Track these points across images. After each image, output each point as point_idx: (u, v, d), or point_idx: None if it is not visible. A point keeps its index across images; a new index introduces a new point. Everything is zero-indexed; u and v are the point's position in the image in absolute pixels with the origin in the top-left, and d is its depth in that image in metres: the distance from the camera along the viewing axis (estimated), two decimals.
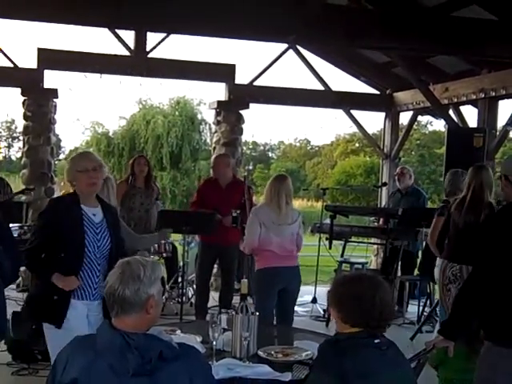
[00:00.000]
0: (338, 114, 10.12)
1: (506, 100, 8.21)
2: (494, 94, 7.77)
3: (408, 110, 9.82)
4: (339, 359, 2.46)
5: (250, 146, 44.15)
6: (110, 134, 24.70)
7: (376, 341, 2.52)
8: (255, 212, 5.18)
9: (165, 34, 8.73)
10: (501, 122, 8.22)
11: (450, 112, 8.70)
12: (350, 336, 2.53)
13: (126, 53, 8.78)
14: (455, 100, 8.43)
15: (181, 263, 7.60)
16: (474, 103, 8.46)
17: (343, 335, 2.57)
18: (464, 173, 5.84)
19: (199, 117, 24.20)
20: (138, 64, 8.70)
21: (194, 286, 7.48)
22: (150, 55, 8.82)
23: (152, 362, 2.17)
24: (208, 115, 23.35)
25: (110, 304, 2.30)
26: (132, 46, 8.75)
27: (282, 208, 5.08)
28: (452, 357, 3.28)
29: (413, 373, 2.80)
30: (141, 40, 8.69)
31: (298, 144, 47.45)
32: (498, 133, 8.09)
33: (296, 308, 5.66)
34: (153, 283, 2.30)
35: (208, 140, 23.31)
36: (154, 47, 8.83)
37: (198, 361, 2.32)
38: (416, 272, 7.81)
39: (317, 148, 45.22)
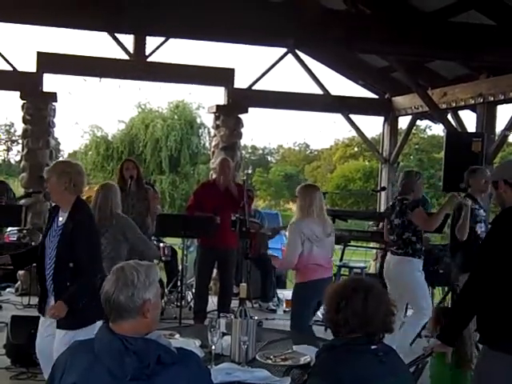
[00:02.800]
0: (337, 118, 10.12)
1: (504, 105, 8.24)
2: (492, 98, 7.78)
3: (407, 114, 9.83)
4: (336, 365, 2.45)
5: (249, 150, 44.15)
6: (109, 137, 24.72)
7: (373, 347, 2.50)
8: (299, 228, 4.90)
9: (164, 38, 8.74)
10: (499, 126, 8.24)
11: (449, 117, 8.71)
12: (346, 342, 2.52)
13: (126, 57, 8.80)
14: (454, 105, 8.44)
15: (180, 267, 7.60)
16: (472, 108, 8.47)
17: (340, 340, 2.56)
18: (418, 174, 5.90)
19: (198, 121, 24.24)
20: (137, 68, 8.72)
21: (193, 290, 7.48)
22: (149, 59, 8.83)
23: (150, 366, 2.17)
24: (207, 119, 23.39)
25: (107, 310, 2.30)
26: (131, 49, 8.77)
27: (326, 220, 5.06)
28: None
29: (412, 379, 2.78)
30: (140, 44, 8.70)
31: (297, 148, 47.46)
32: (496, 137, 8.10)
33: None
34: (148, 287, 2.29)
35: (207, 144, 23.32)
36: (154, 51, 8.85)
37: (197, 365, 2.32)
38: None
39: (316, 152, 45.23)
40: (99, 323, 3.66)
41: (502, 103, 8.05)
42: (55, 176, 3.81)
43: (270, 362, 3.22)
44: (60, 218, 3.86)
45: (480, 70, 8.06)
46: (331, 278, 5.13)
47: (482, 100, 7.91)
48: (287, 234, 5.10)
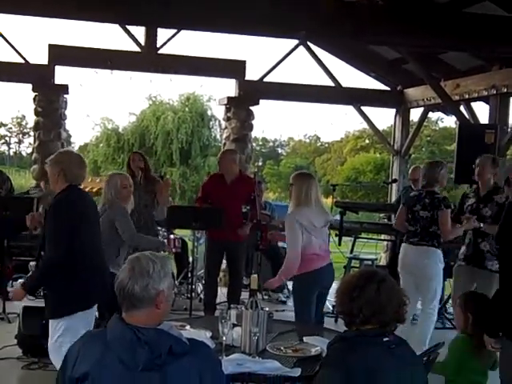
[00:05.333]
0: (348, 110, 10.10)
1: None
2: (505, 90, 7.72)
3: (418, 106, 9.78)
4: (347, 357, 2.46)
5: (260, 143, 44.17)
6: (120, 130, 24.77)
7: (385, 339, 2.51)
8: (294, 218, 4.67)
9: (175, 30, 8.74)
10: None
11: (461, 108, 8.66)
12: (358, 333, 2.53)
13: (137, 49, 8.80)
14: (466, 96, 8.38)
15: (190, 259, 7.61)
16: (485, 99, 8.41)
17: (352, 332, 2.57)
18: (441, 163, 5.86)
19: (209, 113, 24.24)
20: (149, 60, 8.73)
21: (203, 282, 7.50)
22: (160, 51, 8.84)
23: (162, 356, 2.18)
24: (218, 111, 23.38)
25: (120, 299, 2.31)
26: (142, 42, 8.77)
27: (324, 209, 4.91)
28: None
29: (423, 371, 2.78)
30: (151, 36, 8.71)
31: (307, 140, 47.42)
32: (509, 129, 8.05)
33: None
34: (162, 278, 2.30)
35: (218, 136, 23.33)
36: (165, 43, 8.85)
37: (208, 356, 2.32)
38: None
39: (326, 144, 45.18)
40: (81, 314, 3.79)
41: None
42: (50, 165, 3.93)
43: (280, 353, 3.22)
44: None
45: (493, 62, 7.99)
46: (330, 264, 4.91)
47: (495, 91, 7.85)
48: (286, 231, 4.76)
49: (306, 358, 3.18)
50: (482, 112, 8.60)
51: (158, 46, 8.79)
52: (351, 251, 8.22)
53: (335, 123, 71.33)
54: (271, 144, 46.87)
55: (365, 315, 2.50)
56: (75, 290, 3.77)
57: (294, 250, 4.66)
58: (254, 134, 9.67)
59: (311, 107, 49.47)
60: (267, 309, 3.43)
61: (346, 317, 2.58)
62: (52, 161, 3.94)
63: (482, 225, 5.43)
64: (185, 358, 2.22)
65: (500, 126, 7.51)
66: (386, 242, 9.76)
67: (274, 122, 62.97)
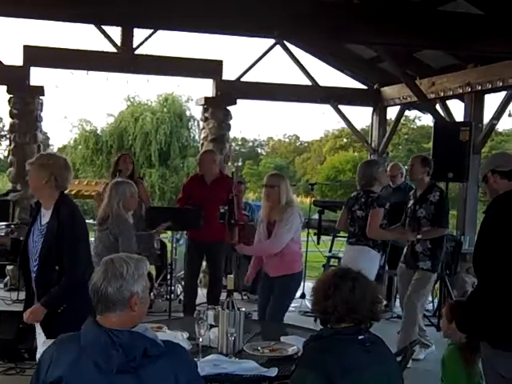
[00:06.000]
0: (326, 109, 10.10)
1: (491, 94, 8.25)
2: (480, 88, 7.79)
3: (395, 104, 9.84)
4: (323, 356, 2.47)
5: (239, 142, 44.12)
6: (98, 131, 24.62)
7: (360, 337, 2.52)
8: (297, 210, 4.86)
9: (151, 30, 8.69)
10: (487, 115, 8.26)
11: (437, 106, 8.72)
12: (333, 332, 2.54)
13: (113, 49, 8.74)
14: (442, 94, 8.45)
15: (169, 260, 7.59)
16: (460, 97, 8.48)
17: (327, 331, 2.57)
18: (377, 162, 5.91)
19: (188, 113, 24.17)
20: (125, 61, 8.66)
21: (183, 283, 7.48)
22: (136, 52, 8.78)
23: (136, 359, 2.17)
24: (197, 112, 23.31)
25: (94, 302, 2.30)
26: (119, 42, 8.71)
27: None
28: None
29: (399, 368, 2.79)
30: (127, 36, 8.64)
31: (287, 140, 47.48)
32: (484, 127, 8.13)
33: None
34: (136, 280, 2.29)
35: (197, 137, 23.27)
36: (141, 43, 8.80)
37: (183, 358, 2.32)
38: None
39: (306, 144, 45.28)
40: None
41: (489, 92, 8.06)
42: (35, 169, 3.60)
43: (257, 353, 3.23)
44: (43, 217, 3.65)
45: (467, 60, 8.06)
46: None
47: (469, 89, 7.92)
48: (288, 220, 4.78)
49: (282, 357, 3.18)
50: (458, 110, 8.68)
51: (134, 46, 8.73)
52: (330, 250, 8.26)
53: (314, 122, 71.43)
54: (250, 144, 46.84)
55: (339, 313, 2.51)
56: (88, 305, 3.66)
57: (285, 236, 4.73)
58: (232, 133, 9.67)
59: (290, 106, 49.49)
60: (244, 309, 3.43)
61: (320, 315, 2.59)
62: (37, 164, 3.61)
63: (419, 236, 5.53)
64: (160, 360, 2.21)
65: (475, 124, 7.57)
66: None
67: (252, 121, 62.91)
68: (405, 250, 5.91)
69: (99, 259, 4.19)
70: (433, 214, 5.61)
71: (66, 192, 3.79)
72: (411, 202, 5.79)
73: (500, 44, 6.16)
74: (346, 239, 8.59)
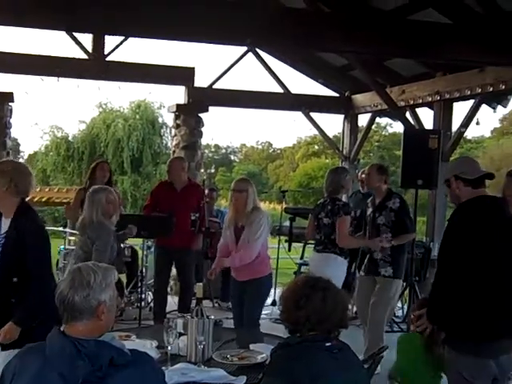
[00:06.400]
0: (298, 116, 10.17)
1: (460, 102, 8.37)
2: (448, 96, 7.91)
3: (366, 112, 9.93)
4: (291, 363, 2.46)
5: (212, 149, 44.11)
6: (70, 138, 24.46)
7: (327, 344, 2.52)
8: (265, 215, 4.94)
9: (123, 37, 8.65)
10: (456, 123, 8.37)
11: (407, 114, 8.82)
12: (301, 340, 2.53)
13: (84, 56, 8.68)
14: (411, 102, 8.54)
15: (140, 267, 7.54)
16: (429, 105, 8.59)
17: (295, 338, 2.57)
18: (344, 170, 5.98)
19: (160, 120, 24.16)
20: (96, 67, 8.60)
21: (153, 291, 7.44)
22: (108, 58, 8.73)
23: (103, 368, 2.14)
24: (169, 119, 23.22)
25: (60, 311, 2.27)
26: (90, 48, 8.65)
27: None
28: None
29: (366, 375, 2.81)
30: (99, 43, 8.59)
31: (259, 147, 47.59)
32: (452, 134, 8.23)
33: None
34: (104, 289, 2.27)
35: (169, 144, 23.21)
36: (113, 50, 8.74)
37: (151, 367, 2.30)
38: None
39: (279, 151, 45.43)
40: None
41: (457, 100, 8.19)
42: None
43: (226, 361, 3.21)
44: (3, 226, 3.50)
45: (436, 68, 8.17)
46: None
47: (438, 97, 8.03)
48: (258, 224, 4.85)
49: (251, 365, 3.17)
50: (427, 118, 8.79)
51: (105, 53, 8.69)
52: (301, 257, 8.27)
53: (287, 129, 71.79)
54: (224, 151, 46.84)
55: (311, 323, 2.51)
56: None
57: (258, 242, 4.80)
58: (204, 141, 9.66)
59: (263, 113, 49.65)
60: (213, 317, 3.42)
61: (291, 325, 2.58)
62: None
63: (393, 242, 5.56)
64: (127, 369, 2.19)
65: (443, 132, 7.67)
66: None
67: (225, 128, 62.96)
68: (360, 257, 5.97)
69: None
70: (393, 221, 5.65)
71: (36, 199, 3.72)
72: (370, 210, 5.84)
73: (468, 52, 6.25)
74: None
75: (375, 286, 5.67)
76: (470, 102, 8.04)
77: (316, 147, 37.64)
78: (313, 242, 8.23)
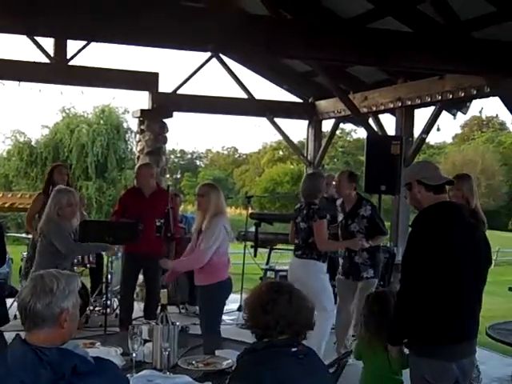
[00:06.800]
0: (263, 121, 10.20)
1: (421, 108, 8.51)
2: (409, 103, 8.03)
3: (330, 117, 10.02)
4: (256, 369, 2.47)
5: (178, 155, 43.96)
6: (33, 143, 24.11)
7: (293, 349, 2.53)
8: (222, 223, 4.81)
9: (85, 42, 8.58)
10: (417, 129, 8.51)
11: (370, 120, 8.93)
12: (266, 345, 2.54)
13: (46, 60, 8.58)
14: (374, 108, 8.66)
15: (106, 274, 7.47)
16: (391, 112, 8.72)
17: (261, 344, 2.59)
18: (320, 174, 6.08)
19: (125, 125, 23.97)
20: (59, 72, 8.51)
21: (119, 297, 7.38)
22: (70, 63, 8.65)
23: (65, 376, 2.13)
24: (134, 124, 23.10)
25: (22, 319, 2.25)
26: (52, 53, 8.56)
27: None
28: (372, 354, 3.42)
29: (331, 379, 2.84)
30: (61, 47, 8.50)
31: (225, 152, 47.61)
32: (414, 140, 8.36)
33: (223, 317, 5.63)
34: (67, 296, 2.25)
35: (134, 149, 23.03)
36: (75, 55, 8.66)
37: (114, 374, 2.29)
38: None
39: (244, 156, 45.50)
40: None
41: (419, 107, 8.32)
42: None
43: (191, 367, 3.22)
44: None
45: (398, 75, 8.30)
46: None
47: (400, 104, 8.15)
48: (213, 231, 4.80)
49: (217, 371, 3.19)
50: (390, 124, 8.91)
51: (68, 57, 8.60)
52: (267, 262, 8.31)
53: (252, 135, 71.88)
54: (189, 156, 46.71)
55: (281, 326, 2.53)
56: None
57: (210, 249, 4.74)
58: (169, 146, 9.65)
59: (228, 119, 49.65)
60: (178, 323, 3.42)
61: (260, 330, 2.59)
62: None
63: (370, 242, 5.67)
64: (90, 377, 2.17)
65: (405, 138, 7.80)
66: None
67: (191, 133, 62.73)
68: (341, 261, 6.03)
69: (36, 264, 4.15)
70: (366, 227, 5.79)
71: None
72: (342, 216, 5.92)
73: (428, 60, 6.36)
74: (282, 252, 8.81)
75: (355, 288, 5.77)
76: (431, 109, 8.19)
77: (281, 153, 37.82)
78: (278, 247, 8.37)
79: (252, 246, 7.86)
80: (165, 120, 9.24)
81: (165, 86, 9.27)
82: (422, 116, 8.73)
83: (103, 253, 7.94)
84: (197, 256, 4.82)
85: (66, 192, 5.02)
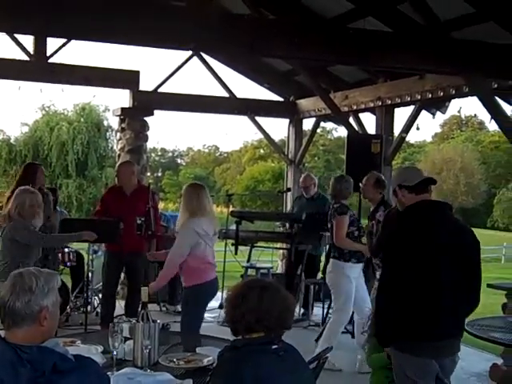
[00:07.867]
0: (244, 120, 10.22)
1: (401, 108, 8.59)
2: (389, 102, 8.09)
3: (310, 116, 10.05)
4: (237, 366, 2.48)
5: (159, 153, 43.83)
6: (12, 140, 23.93)
7: (273, 346, 2.54)
8: (192, 227, 4.69)
9: (66, 39, 8.52)
10: (397, 128, 8.59)
11: (351, 119, 8.98)
12: (247, 342, 2.56)
13: (26, 57, 8.51)
14: (354, 107, 8.71)
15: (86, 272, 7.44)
16: (372, 111, 8.78)
17: (242, 341, 2.60)
18: (346, 178, 6.13)
19: (106, 123, 23.90)
20: (38, 69, 8.45)
21: (100, 295, 7.36)
22: (50, 60, 8.58)
23: (46, 374, 2.12)
24: (114, 122, 23.02)
25: (1, 317, 2.25)
26: (31, 50, 8.50)
27: (215, 218, 5.01)
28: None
29: (311, 376, 2.86)
30: (40, 45, 8.43)
31: (206, 150, 47.55)
32: (394, 139, 8.44)
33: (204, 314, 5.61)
34: (46, 295, 2.25)
35: (115, 147, 22.95)
36: (55, 52, 8.60)
37: (95, 372, 2.29)
38: (320, 275, 8.00)
39: (225, 154, 45.49)
40: None
41: (398, 106, 8.40)
42: None
43: (172, 364, 3.23)
44: None
45: (378, 75, 8.36)
46: (217, 277, 5.01)
47: (380, 103, 8.21)
48: (180, 234, 4.80)
49: (198, 368, 3.20)
50: (370, 123, 8.98)
51: (48, 54, 8.54)
52: (248, 260, 8.33)
53: (233, 133, 71.82)
54: (170, 154, 46.58)
55: (248, 322, 2.53)
56: None
57: (180, 254, 4.71)
58: (150, 144, 9.62)
59: (209, 117, 49.58)
60: (159, 321, 3.42)
61: (230, 324, 2.62)
62: None
63: None
64: (70, 375, 2.17)
65: (385, 136, 7.86)
66: (281, 250, 9.95)
67: (172, 132, 62.51)
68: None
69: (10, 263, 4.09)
70: (378, 230, 5.82)
71: None
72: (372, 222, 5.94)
73: (408, 60, 6.41)
74: (262, 249, 8.83)
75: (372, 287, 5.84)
76: (411, 108, 8.26)
77: (262, 151, 37.88)
78: (259, 245, 8.39)
79: (233, 244, 7.88)
80: (146, 118, 9.22)
81: (146, 85, 9.27)
82: (401, 115, 8.81)
83: (82, 251, 7.93)
84: (167, 261, 4.79)
85: (29, 193, 5.00)
